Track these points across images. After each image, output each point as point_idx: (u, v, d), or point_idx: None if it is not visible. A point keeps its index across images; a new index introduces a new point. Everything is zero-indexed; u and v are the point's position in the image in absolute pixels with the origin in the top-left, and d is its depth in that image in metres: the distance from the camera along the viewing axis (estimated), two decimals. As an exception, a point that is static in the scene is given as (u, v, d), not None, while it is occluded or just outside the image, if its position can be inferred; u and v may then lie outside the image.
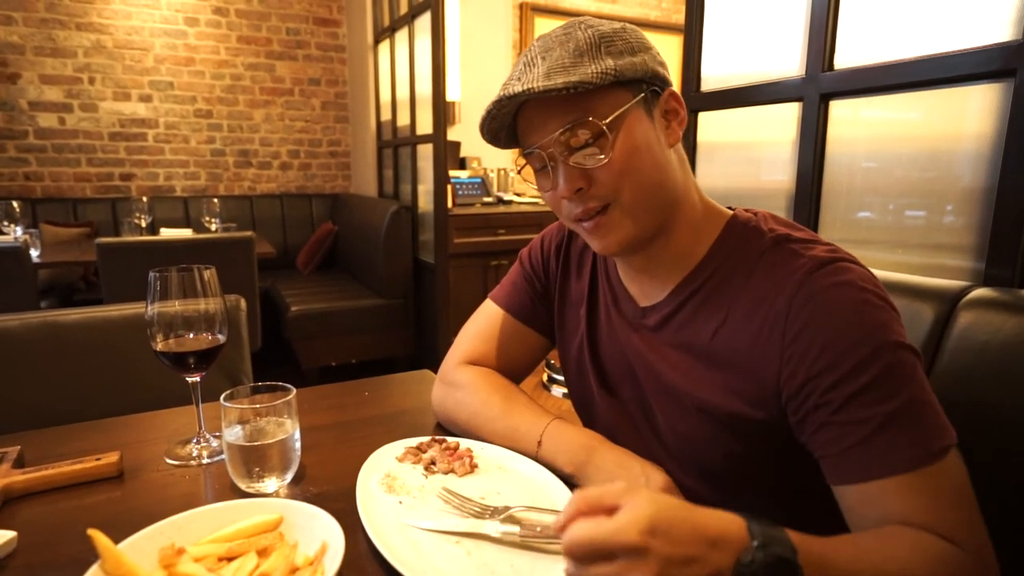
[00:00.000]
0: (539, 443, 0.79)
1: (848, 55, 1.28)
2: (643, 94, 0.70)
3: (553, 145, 0.69)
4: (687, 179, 0.76)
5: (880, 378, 0.59)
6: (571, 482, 0.75)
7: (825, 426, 0.62)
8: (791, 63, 1.41)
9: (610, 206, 0.71)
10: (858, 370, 0.60)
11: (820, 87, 1.31)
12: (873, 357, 0.60)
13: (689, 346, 0.75)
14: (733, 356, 0.70)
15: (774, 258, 0.70)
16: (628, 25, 0.73)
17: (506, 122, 0.73)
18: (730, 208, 0.79)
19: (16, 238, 2.66)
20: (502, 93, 0.68)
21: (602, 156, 0.68)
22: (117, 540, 0.54)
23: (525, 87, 0.66)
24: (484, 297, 0.99)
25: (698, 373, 0.74)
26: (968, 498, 0.59)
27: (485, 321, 0.97)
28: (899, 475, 0.58)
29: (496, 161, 4.22)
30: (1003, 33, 1.01)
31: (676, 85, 0.76)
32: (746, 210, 0.79)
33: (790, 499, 0.73)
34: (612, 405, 0.87)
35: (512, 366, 0.95)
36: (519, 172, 0.78)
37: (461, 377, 0.91)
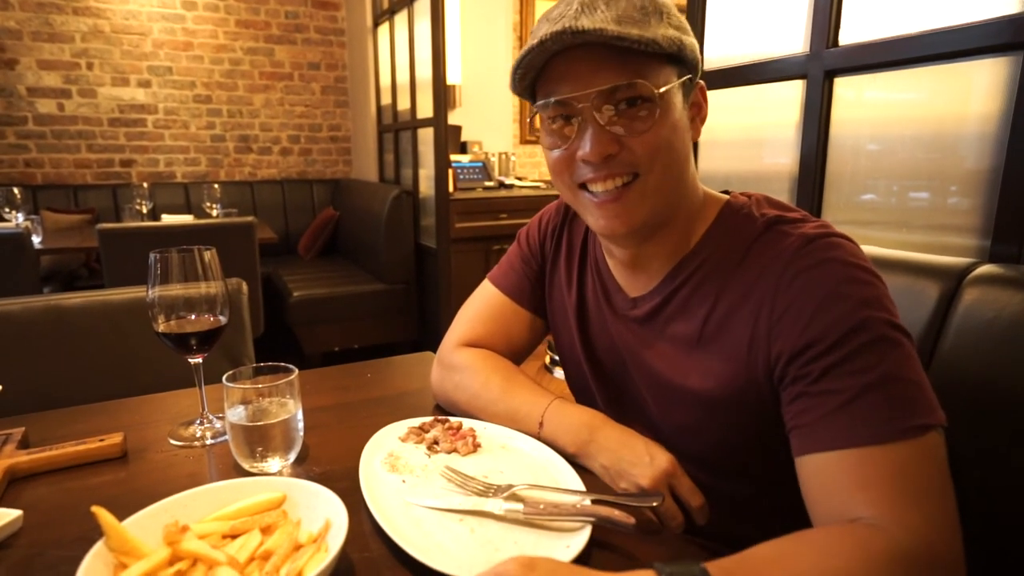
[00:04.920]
0: (540, 424, 0.79)
1: (853, 31, 1.26)
2: (687, 77, 0.69)
3: (591, 100, 0.65)
4: (694, 175, 0.76)
5: (859, 351, 0.58)
6: (575, 461, 0.74)
7: (800, 397, 0.61)
8: (795, 41, 1.39)
9: (638, 178, 0.68)
10: (839, 344, 0.59)
11: (824, 64, 1.30)
12: (854, 331, 0.58)
13: (679, 336, 0.74)
14: (723, 343, 0.69)
15: (764, 241, 0.69)
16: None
17: (538, 65, 0.67)
18: (726, 192, 0.78)
19: (17, 224, 2.66)
20: (565, 26, 0.60)
21: (645, 125, 0.65)
22: (121, 519, 0.54)
23: (597, 26, 0.60)
24: (486, 282, 0.98)
25: (688, 362, 0.73)
26: (935, 486, 0.55)
27: (483, 302, 0.95)
28: (862, 447, 0.55)
29: (497, 145, 4.20)
30: (1011, 5, 0.99)
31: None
32: (742, 193, 0.77)
33: (783, 485, 0.72)
34: (607, 394, 0.86)
35: (511, 348, 0.93)
36: (531, 120, 0.73)
37: (460, 359, 0.90)
